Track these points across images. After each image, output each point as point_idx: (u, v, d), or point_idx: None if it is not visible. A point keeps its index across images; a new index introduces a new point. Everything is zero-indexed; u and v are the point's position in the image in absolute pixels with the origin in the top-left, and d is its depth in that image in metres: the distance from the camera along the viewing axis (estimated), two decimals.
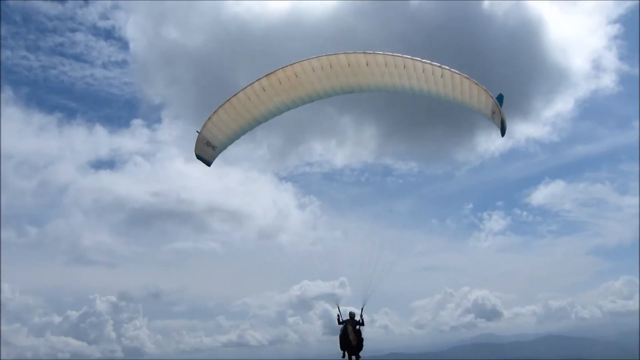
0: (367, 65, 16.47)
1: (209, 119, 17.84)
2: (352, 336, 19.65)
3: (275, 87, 17.25)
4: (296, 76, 16.95)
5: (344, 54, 16.38)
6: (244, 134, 18.94)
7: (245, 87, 17.21)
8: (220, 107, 17.51)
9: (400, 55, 16.14)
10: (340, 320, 20.39)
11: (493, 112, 16.18)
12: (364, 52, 16.26)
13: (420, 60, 15.90)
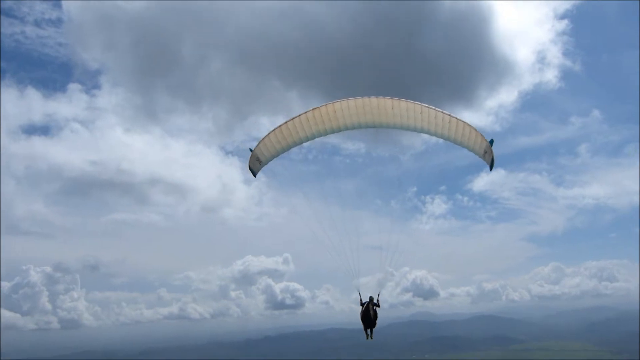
0: (392, 108, 21.23)
1: (261, 140, 22.85)
2: (371, 312, 23.84)
3: (317, 119, 22.05)
4: (335, 112, 21.79)
5: (375, 97, 20.96)
6: (283, 152, 23.72)
7: (294, 118, 22.05)
8: (271, 131, 22.46)
9: (419, 103, 20.82)
10: (362, 302, 24.21)
11: (485, 152, 21.45)
12: (391, 98, 20.81)
13: (434, 109, 20.72)
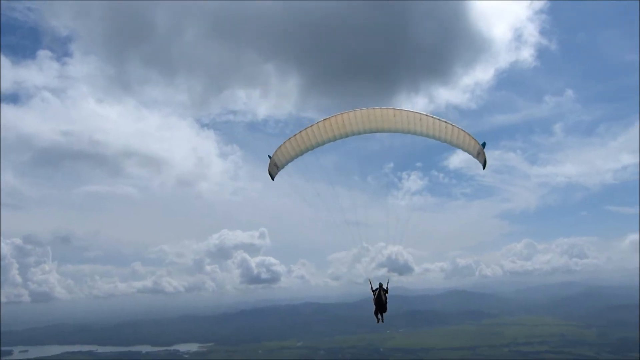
0: (394, 117, 24.19)
1: (278, 147, 25.87)
2: (383, 298, 26.66)
3: (327, 128, 25.10)
4: (343, 121, 24.79)
5: (379, 108, 24.08)
6: (297, 157, 26.66)
7: (307, 128, 25.15)
8: (287, 140, 25.57)
9: (418, 112, 23.91)
10: (373, 288, 26.90)
11: (478, 153, 24.19)
12: (393, 108, 23.99)
13: (432, 117, 23.71)
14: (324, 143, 25.59)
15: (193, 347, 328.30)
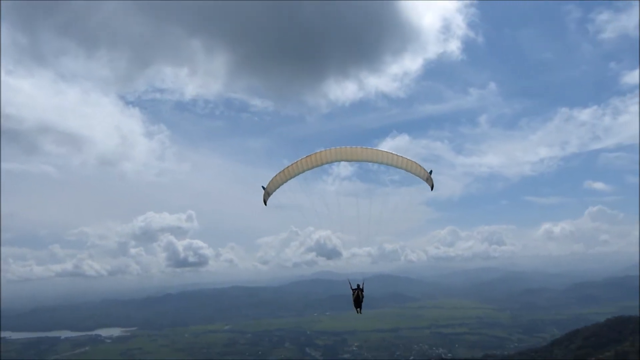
0: (362, 152, 30.21)
1: (271, 180, 30.52)
2: (361, 296, 32.34)
3: (309, 162, 30.14)
4: (322, 156, 30.09)
5: (350, 147, 30.01)
6: (284, 184, 31.15)
7: (294, 163, 30.00)
8: (277, 174, 30.40)
9: (381, 150, 30.20)
10: (352, 288, 32.49)
11: (427, 178, 31.14)
12: (362, 147, 30.00)
13: (390, 152, 30.27)
14: (304, 171, 30.58)
15: (115, 332, 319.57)
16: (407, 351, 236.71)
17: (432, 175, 31.14)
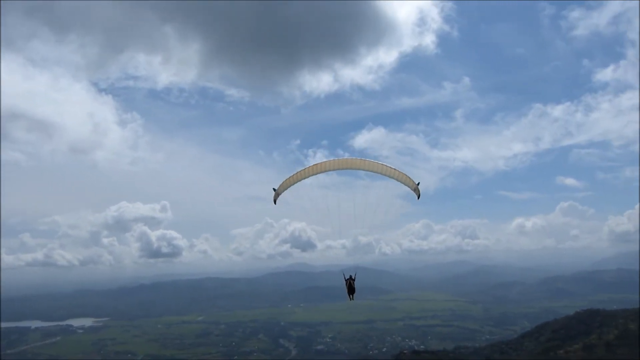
0: (361, 162, 33.93)
1: (281, 184, 33.68)
2: (354, 286, 35.21)
3: (312, 169, 33.69)
4: (326, 165, 33.55)
5: (351, 158, 34.41)
6: (291, 186, 34.46)
7: (301, 170, 33.50)
8: (286, 179, 33.58)
9: (376, 161, 33.67)
10: (345, 278, 35.40)
11: (415, 189, 33.98)
12: (361, 159, 33.94)
13: (385, 165, 33.55)
14: (307, 177, 34.19)
15: (87, 322, 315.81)
16: (380, 343, 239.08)
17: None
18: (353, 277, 35.60)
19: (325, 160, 34.31)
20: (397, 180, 33.87)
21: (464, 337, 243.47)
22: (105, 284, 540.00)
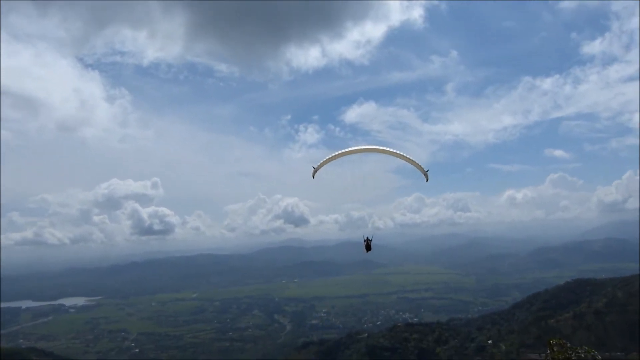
0: (379, 150, 36.12)
1: (320, 163, 36.65)
2: (370, 245, 39.07)
3: (349, 151, 35.97)
4: (359, 149, 36.15)
5: (375, 146, 36.22)
6: (326, 164, 37.56)
7: (338, 152, 35.94)
8: (325, 159, 36.34)
9: (394, 150, 35.80)
10: (365, 238, 39.42)
11: (424, 174, 36.99)
12: (383, 147, 36.04)
13: (400, 153, 35.76)
14: (341, 158, 37.08)
15: (80, 301, 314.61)
16: (374, 316, 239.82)
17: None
18: (370, 238, 40.61)
19: (360, 146, 37.14)
20: (412, 165, 37.73)
21: (457, 309, 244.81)
22: (96, 263, 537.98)
